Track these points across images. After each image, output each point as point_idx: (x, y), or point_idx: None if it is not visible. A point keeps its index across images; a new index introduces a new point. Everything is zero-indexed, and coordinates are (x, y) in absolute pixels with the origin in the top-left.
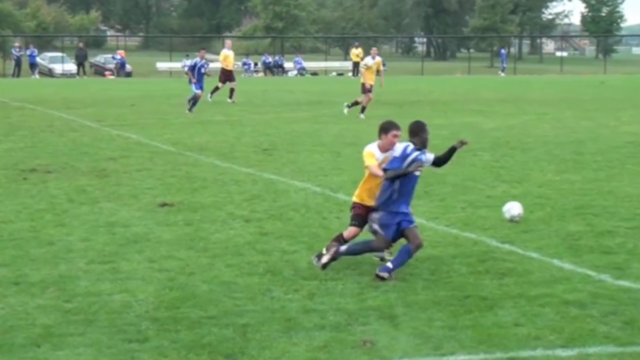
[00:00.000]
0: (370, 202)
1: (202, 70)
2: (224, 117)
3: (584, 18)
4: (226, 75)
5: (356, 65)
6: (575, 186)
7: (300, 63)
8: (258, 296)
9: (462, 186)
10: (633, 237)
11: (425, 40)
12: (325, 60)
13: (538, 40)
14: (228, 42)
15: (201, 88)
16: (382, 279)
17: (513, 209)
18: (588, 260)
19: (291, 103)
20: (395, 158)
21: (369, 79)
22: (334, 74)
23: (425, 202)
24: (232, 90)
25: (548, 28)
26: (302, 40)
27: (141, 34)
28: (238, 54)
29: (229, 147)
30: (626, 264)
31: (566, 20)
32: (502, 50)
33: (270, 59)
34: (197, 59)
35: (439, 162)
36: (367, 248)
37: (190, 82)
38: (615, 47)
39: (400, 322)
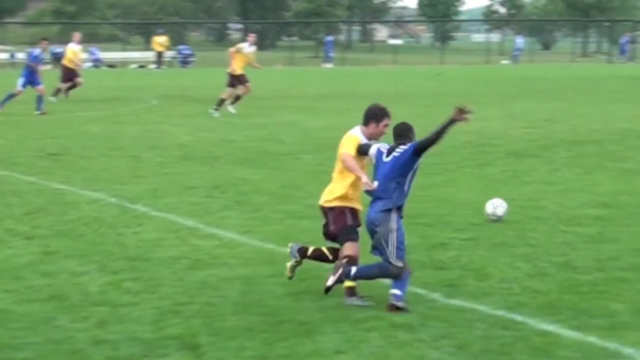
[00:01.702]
0: (357, 204)
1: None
2: (3, 116)
3: (420, 1)
4: (69, 73)
5: (160, 55)
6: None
7: (96, 53)
8: (40, 326)
9: (281, 194)
10: (467, 250)
11: (241, 26)
12: (124, 50)
13: (369, 26)
14: (76, 35)
15: (31, 83)
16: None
17: (499, 207)
18: (419, 277)
19: (84, 100)
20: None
21: (239, 67)
22: (135, 65)
23: (237, 214)
24: (71, 87)
25: (380, 12)
26: (98, 27)
27: None
28: (21, 42)
29: (9, 152)
30: (460, 280)
31: (400, 4)
32: (328, 38)
33: (60, 49)
34: (39, 50)
35: (427, 143)
36: (384, 274)
37: (33, 73)
38: (453, 34)
39: (204, 352)
